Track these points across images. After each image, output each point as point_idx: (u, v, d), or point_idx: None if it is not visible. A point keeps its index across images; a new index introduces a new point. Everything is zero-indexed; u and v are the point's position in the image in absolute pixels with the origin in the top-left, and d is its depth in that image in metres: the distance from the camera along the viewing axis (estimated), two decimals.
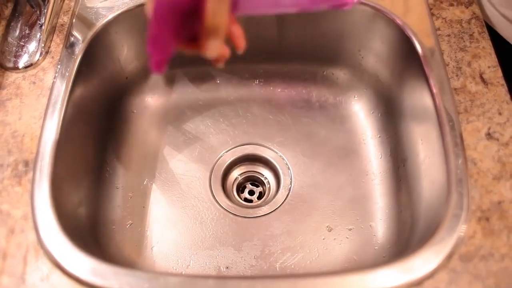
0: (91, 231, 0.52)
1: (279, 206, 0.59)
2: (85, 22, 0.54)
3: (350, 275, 0.40)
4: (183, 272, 0.54)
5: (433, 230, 0.42)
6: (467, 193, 0.43)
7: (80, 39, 0.53)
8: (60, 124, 0.47)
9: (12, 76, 0.51)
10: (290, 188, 0.60)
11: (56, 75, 0.51)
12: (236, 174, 0.63)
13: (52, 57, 0.52)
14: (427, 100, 0.50)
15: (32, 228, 0.42)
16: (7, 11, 0.55)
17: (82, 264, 0.40)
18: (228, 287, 0.39)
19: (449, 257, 0.40)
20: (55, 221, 0.42)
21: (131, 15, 0.56)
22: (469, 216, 0.42)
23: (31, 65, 0.52)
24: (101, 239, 0.53)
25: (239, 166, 0.63)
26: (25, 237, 0.42)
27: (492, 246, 0.41)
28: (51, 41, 0.54)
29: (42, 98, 0.49)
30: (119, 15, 0.55)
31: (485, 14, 0.57)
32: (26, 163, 0.45)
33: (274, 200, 0.59)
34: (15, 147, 0.46)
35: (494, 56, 0.51)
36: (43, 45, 0.53)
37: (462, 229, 0.41)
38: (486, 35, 0.53)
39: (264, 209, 0.58)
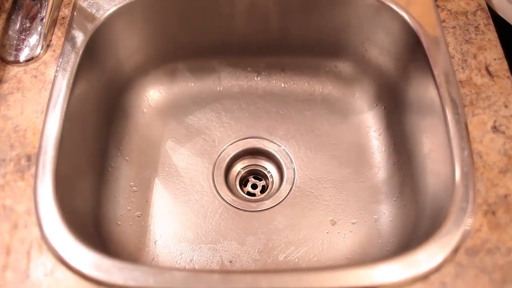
0: (94, 225, 0.52)
1: (282, 200, 0.58)
2: (87, 15, 0.54)
3: (355, 269, 0.40)
4: (187, 266, 0.54)
5: (438, 224, 0.42)
6: (473, 186, 0.43)
7: (82, 32, 0.53)
8: (62, 118, 0.47)
9: (13, 70, 0.50)
10: (293, 181, 0.60)
11: (58, 68, 0.50)
12: (239, 167, 0.63)
13: (54, 51, 0.52)
14: (432, 93, 0.50)
15: (35, 223, 0.42)
16: (8, 4, 0.55)
17: (86, 259, 0.40)
18: (233, 281, 0.39)
19: (455, 250, 0.40)
20: (59, 216, 0.42)
21: (133, 7, 0.55)
22: (475, 210, 0.42)
23: (32, 58, 0.51)
24: (104, 233, 0.53)
25: (242, 159, 0.63)
26: (28, 232, 0.41)
27: (498, 240, 0.41)
28: (52, 34, 0.53)
29: (44, 92, 0.49)
30: (121, 8, 0.55)
31: (492, 3, 0.56)
32: (28, 158, 0.45)
33: (277, 193, 0.59)
34: (17, 141, 0.46)
35: (500, 48, 0.51)
36: (44, 38, 0.52)
37: (468, 222, 0.41)
38: (491, 27, 0.52)
39: (267, 203, 0.58)
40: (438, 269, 0.39)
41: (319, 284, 0.39)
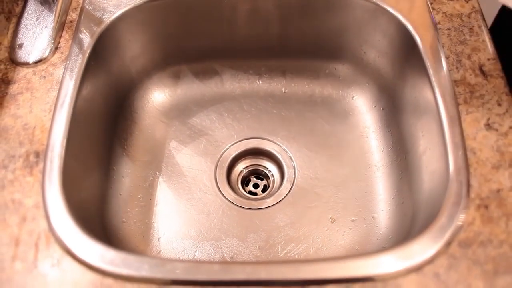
0: (99, 221, 0.53)
1: (283, 198, 0.60)
2: (93, 19, 0.56)
3: (352, 260, 0.41)
4: None
5: (433, 218, 0.43)
6: (467, 181, 0.44)
7: (89, 35, 0.55)
8: (69, 117, 0.49)
9: (23, 71, 0.52)
10: (294, 180, 0.61)
11: (65, 69, 0.52)
12: (241, 167, 0.64)
13: (62, 53, 0.54)
14: (427, 93, 0.51)
15: (43, 216, 0.43)
16: (18, 9, 0.57)
17: (92, 250, 0.41)
18: (233, 272, 0.40)
19: (449, 243, 0.41)
20: (66, 209, 0.43)
21: (138, 11, 0.57)
22: (469, 204, 0.43)
23: (41, 60, 0.53)
24: (109, 229, 0.54)
25: (243, 159, 0.64)
26: (36, 225, 0.43)
27: (490, 233, 0.42)
28: (60, 37, 0.55)
29: (52, 92, 0.51)
30: (126, 11, 0.57)
31: None
32: (37, 154, 0.47)
33: (278, 192, 0.60)
34: (26, 139, 0.48)
35: (493, 49, 0.52)
36: (52, 41, 0.54)
37: (461, 216, 0.42)
38: (485, 28, 0.54)
39: (269, 201, 0.60)
40: (431, 260, 0.40)
41: (316, 275, 0.40)
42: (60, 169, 0.46)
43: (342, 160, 0.62)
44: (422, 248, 0.41)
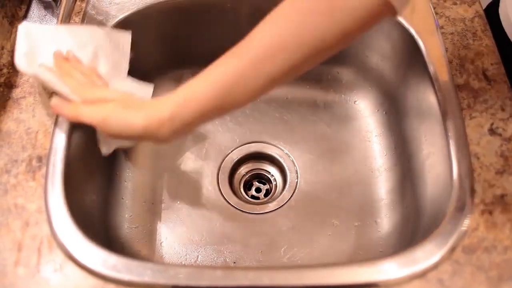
0: (102, 226, 0.53)
1: (285, 203, 0.60)
2: (96, 23, 0.56)
3: (355, 267, 0.41)
4: None
5: (436, 224, 0.43)
6: (470, 187, 0.44)
7: None
8: (72, 122, 0.49)
9: (26, 75, 0.52)
10: (296, 185, 0.61)
11: None
12: (243, 171, 0.64)
13: None
14: (430, 97, 0.51)
15: (45, 221, 0.43)
16: (21, 13, 0.57)
17: (94, 255, 0.41)
18: (235, 278, 0.40)
19: (453, 249, 0.41)
20: (68, 214, 0.43)
21: (141, 15, 0.58)
22: (472, 210, 0.43)
23: None
24: (111, 233, 0.54)
25: (246, 163, 0.64)
26: (39, 230, 0.43)
27: (495, 239, 0.41)
28: None
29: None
30: (128, 16, 0.57)
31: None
32: (39, 159, 0.47)
33: (280, 197, 0.60)
34: (29, 143, 0.48)
35: (497, 53, 0.52)
36: None
37: (465, 222, 0.42)
38: (489, 33, 0.53)
39: (271, 206, 0.59)
40: (435, 266, 0.40)
41: (320, 281, 0.40)
42: (62, 174, 0.46)
43: (345, 165, 0.62)
44: (426, 254, 0.41)
